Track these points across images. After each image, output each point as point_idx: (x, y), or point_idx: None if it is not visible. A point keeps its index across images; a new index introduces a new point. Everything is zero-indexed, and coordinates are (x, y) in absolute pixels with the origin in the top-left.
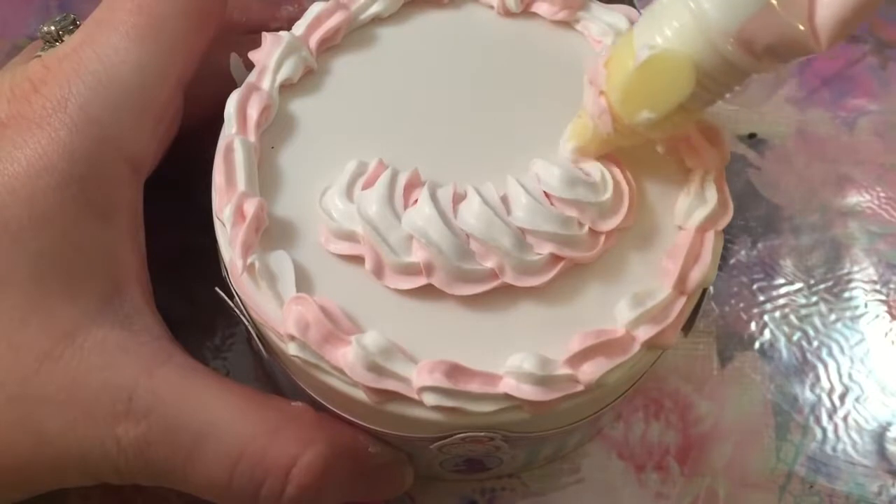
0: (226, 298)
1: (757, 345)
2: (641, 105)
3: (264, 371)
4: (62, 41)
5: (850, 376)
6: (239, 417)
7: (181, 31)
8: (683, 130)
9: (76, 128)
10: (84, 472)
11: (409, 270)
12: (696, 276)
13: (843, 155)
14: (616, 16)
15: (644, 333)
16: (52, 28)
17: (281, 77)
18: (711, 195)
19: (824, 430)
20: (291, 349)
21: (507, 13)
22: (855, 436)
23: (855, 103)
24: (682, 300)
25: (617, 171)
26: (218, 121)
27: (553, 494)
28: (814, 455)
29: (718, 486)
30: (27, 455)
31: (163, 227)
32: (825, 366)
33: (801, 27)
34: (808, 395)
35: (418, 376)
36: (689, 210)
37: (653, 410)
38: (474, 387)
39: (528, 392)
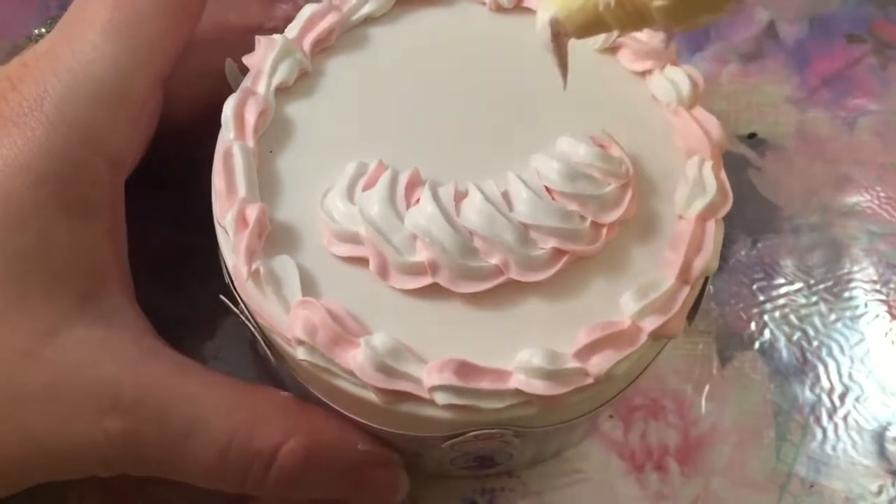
0: (230, 305)
1: (757, 345)
2: None
3: (267, 372)
4: None
5: (850, 376)
6: (225, 408)
7: (159, 27)
8: (698, 24)
9: (52, 126)
10: (72, 465)
11: (414, 270)
12: (698, 265)
13: (843, 155)
14: None
15: (650, 324)
16: (44, 31)
17: (276, 80)
18: (710, 184)
19: (824, 430)
20: (300, 353)
21: (500, 9)
22: (855, 436)
23: (855, 103)
24: (686, 290)
25: (618, 163)
26: (214, 119)
27: (553, 494)
28: (814, 455)
29: (718, 486)
30: (13, 451)
31: (161, 227)
32: (825, 366)
33: None
34: (808, 395)
35: (429, 375)
36: (689, 199)
37: (653, 410)
38: (485, 384)
39: (538, 387)
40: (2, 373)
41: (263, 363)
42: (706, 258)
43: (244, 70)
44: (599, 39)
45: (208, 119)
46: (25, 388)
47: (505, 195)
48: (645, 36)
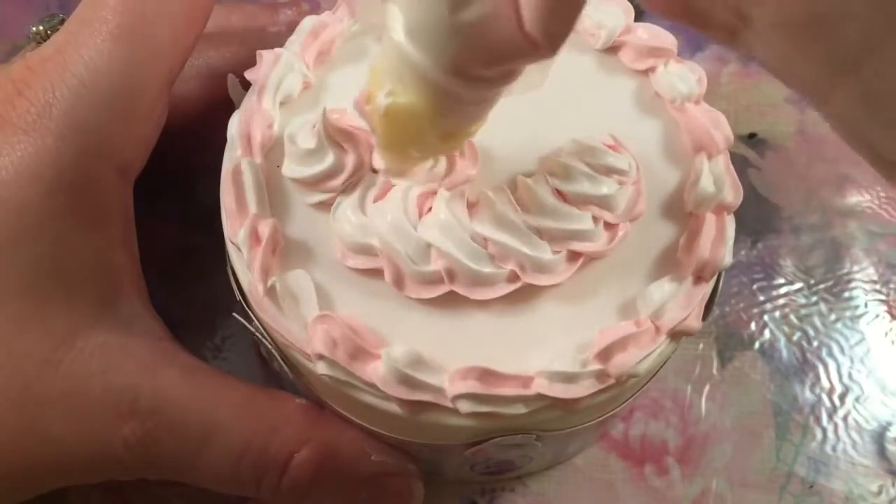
0: (245, 323)
1: (757, 345)
2: (404, 145)
3: (273, 374)
4: None
5: (850, 376)
6: (241, 415)
7: (167, 31)
8: (472, 134)
9: (62, 135)
10: (91, 470)
11: (430, 279)
12: (713, 261)
13: (843, 155)
14: (611, 8)
15: (668, 322)
16: (41, 28)
17: (280, 95)
18: (721, 179)
19: (824, 430)
20: (320, 368)
21: None
22: (855, 436)
23: None
24: (702, 286)
25: (626, 162)
26: (214, 119)
27: (553, 494)
28: (814, 455)
29: (718, 486)
30: (33, 457)
31: (163, 227)
32: (825, 366)
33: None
34: (808, 395)
35: (451, 384)
36: (700, 195)
37: (653, 410)
38: (507, 390)
39: (560, 390)
40: (21, 380)
41: (277, 377)
42: (720, 254)
43: (246, 85)
44: (601, 39)
45: (209, 119)
46: (45, 395)
47: (517, 200)
48: (646, 34)
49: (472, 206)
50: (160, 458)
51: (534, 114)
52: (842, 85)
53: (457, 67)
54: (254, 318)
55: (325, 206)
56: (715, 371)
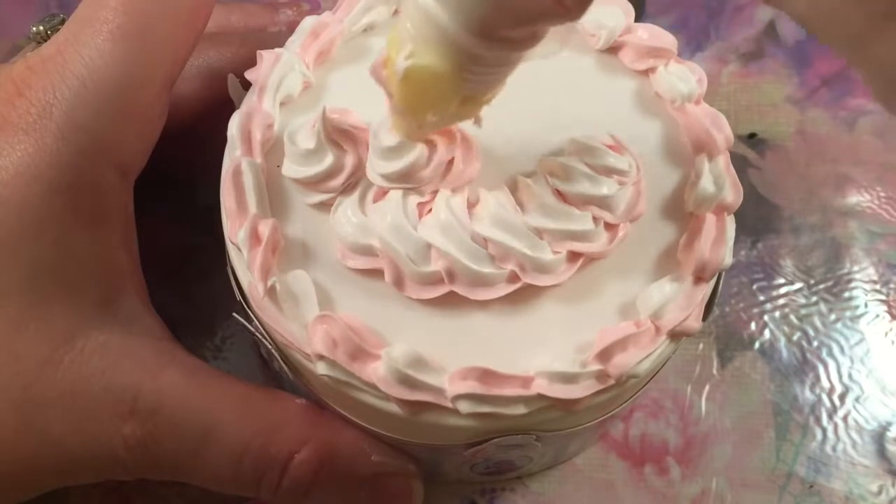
0: (245, 323)
1: (757, 345)
2: (423, 109)
3: (272, 374)
4: None
5: (850, 376)
6: (240, 416)
7: (167, 32)
8: (490, 101)
9: (62, 135)
10: (91, 470)
11: (430, 279)
12: (713, 261)
13: (843, 155)
14: (611, 9)
15: (668, 323)
16: (42, 28)
17: (281, 95)
18: (721, 179)
19: (824, 430)
20: (320, 368)
21: None
22: (855, 436)
23: (855, 103)
24: (702, 286)
25: (626, 163)
26: (215, 119)
27: (553, 494)
28: (814, 455)
29: (718, 486)
30: (33, 458)
31: (163, 227)
32: (825, 366)
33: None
34: (808, 395)
35: (451, 385)
36: (700, 196)
37: (653, 410)
38: (507, 390)
39: (560, 391)
40: (21, 380)
41: (277, 377)
42: (720, 254)
43: (246, 85)
44: (601, 39)
45: (209, 119)
46: (45, 395)
47: (517, 200)
48: (647, 34)
49: (472, 207)
50: (160, 458)
51: (534, 114)
52: (888, 30)
53: (484, 28)
54: (254, 319)
55: (325, 206)
56: (715, 371)
